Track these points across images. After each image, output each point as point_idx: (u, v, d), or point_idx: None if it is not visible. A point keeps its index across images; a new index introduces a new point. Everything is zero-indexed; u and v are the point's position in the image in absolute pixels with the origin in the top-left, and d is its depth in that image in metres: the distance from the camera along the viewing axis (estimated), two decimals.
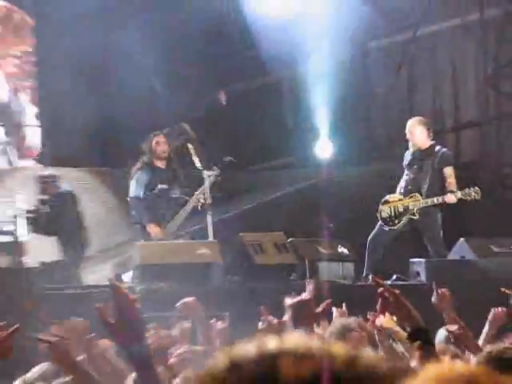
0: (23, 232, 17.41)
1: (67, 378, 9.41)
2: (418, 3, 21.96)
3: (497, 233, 19.50)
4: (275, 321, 10.07)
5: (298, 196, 20.67)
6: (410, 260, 17.53)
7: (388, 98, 21.70)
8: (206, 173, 17.99)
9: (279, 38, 21.72)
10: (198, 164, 18.12)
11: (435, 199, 18.19)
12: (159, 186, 18.16)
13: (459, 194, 18.31)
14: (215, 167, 18.26)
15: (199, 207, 18.16)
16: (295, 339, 1.87)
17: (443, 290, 11.19)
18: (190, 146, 18.09)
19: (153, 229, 17.69)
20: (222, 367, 1.89)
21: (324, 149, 20.94)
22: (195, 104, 21.62)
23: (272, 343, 1.89)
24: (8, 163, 20.66)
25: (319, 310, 8.99)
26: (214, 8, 22.15)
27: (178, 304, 12.08)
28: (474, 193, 18.09)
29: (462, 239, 18.60)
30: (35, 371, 9.88)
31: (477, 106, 22.12)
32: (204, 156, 18.46)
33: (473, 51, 21.81)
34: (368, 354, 1.86)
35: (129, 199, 18.79)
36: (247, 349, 1.90)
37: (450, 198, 18.22)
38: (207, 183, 17.98)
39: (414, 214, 18.24)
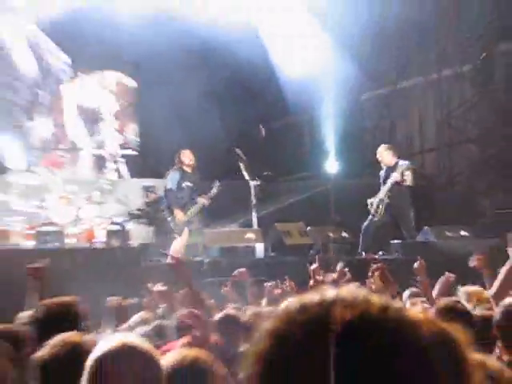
0: (130, 223, 17.98)
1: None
2: (394, 67, 22.16)
3: (450, 222, 19.61)
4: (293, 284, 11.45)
5: (313, 198, 20.81)
6: (391, 241, 17.78)
7: (375, 132, 22.13)
8: (251, 183, 18.15)
9: (300, 91, 21.85)
10: (246, 177, 18.28)
11: (389, 182, 18.12)
12: (186, 183, 18.16)
13: (399, 172, 18.25)
14: (258, 179, 18.37)
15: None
16: (346, 290, 1.85)
17: (421, 260, 10.82)
18: (241, 164, 18.22)
19: (178, 213, 17.88)
20: (293, 309, 1.86)
21: (331, 166, 20.97)
22: (242, 135, 21.77)
23: (330, 293, 1.86)
24: (119, 176, 20.82)
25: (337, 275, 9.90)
26: (256, 71, 22.35)
27: (234, 272, 12.24)
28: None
29: (426, 227, 18.75)
30: (136, 317, 9.63)
31: (436, 136, 22.59)
32: (250, 171, 18.46)
33: (433, 99, 22.34)
34: (396, 303, 1.85)
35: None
36: (312, 296, 1.86)
37: (395, 176, 18.19)
38: (253, 190, 18.12)
39: (386, 200, 18.25)
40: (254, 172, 18.69)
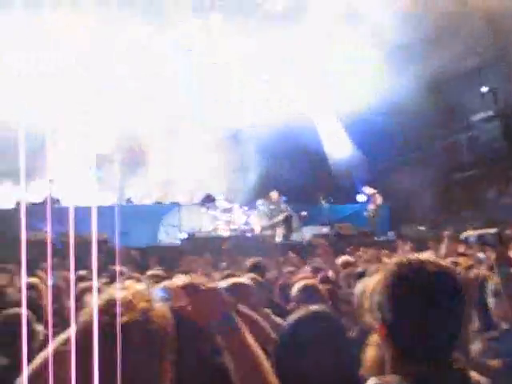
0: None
1: None
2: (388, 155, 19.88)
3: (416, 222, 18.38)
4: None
5: (353, 212, 19.71)
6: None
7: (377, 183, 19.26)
8: (324, 205, 18.70)
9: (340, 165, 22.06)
10: (322, 202, 18.71)
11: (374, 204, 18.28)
12: (271, 206, 18.27)
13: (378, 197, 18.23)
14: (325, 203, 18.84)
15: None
16: (426, 255, 1.73)
17: (399, 241, 11.87)
18: (321, 198, 18.79)
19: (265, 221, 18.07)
20: (401, 260, 1.74)
21: (360, 198, 19.91)
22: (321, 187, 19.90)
23: (420, 256, 1.76)
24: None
25: None
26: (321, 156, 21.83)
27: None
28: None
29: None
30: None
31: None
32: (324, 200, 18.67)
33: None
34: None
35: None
36: (411, 256, 1.76)
37: (378, 200, 18.20)
38: (326, 210, 18.57)
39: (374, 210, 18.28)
40: (326, 200, 18.83)
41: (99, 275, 7.93)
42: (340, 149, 22.37)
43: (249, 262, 6.53)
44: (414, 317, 1.74)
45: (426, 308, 1.73)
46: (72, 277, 6.99)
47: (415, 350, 1.76)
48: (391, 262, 1.85)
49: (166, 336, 1.64)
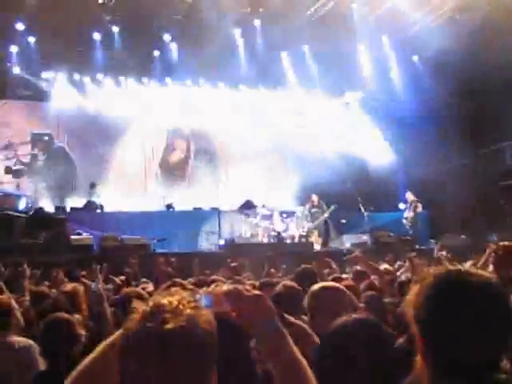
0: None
1: None
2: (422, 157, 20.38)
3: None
4: None
5: (393, 220, 19.31)
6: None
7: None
8: (365, 213, 18.18)
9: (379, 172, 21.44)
10: (362, 210, 18.18)
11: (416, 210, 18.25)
12: (313, 210, 18.23)
13: (418, 204, 18.13)
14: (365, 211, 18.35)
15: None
16: (466, 265, 1.51)
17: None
18: (360, 205, 18.23)
19: (305, 224, 18.07)
20: (442, 272, 1.72)
21: (401, 206, 19.43)
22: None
23: (459, 266, 1.75)
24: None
25: None
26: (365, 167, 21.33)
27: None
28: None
29: (446, 234, 17.35)
30: None
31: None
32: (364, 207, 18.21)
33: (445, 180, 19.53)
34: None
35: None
36: (450, 266, 1.76)
37: (419, 207, 18.10)
38: (366, 216, 18.13)
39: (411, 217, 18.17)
40: (366, 208, 18.37)
41: (140, 279, 8.07)
42: (380, 156, 22.23)
43: (298, 269, 6.31)
44: (453, 330, 1.65)
45: (466, 321, 1.65)
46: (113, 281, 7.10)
47: (454, 366, 1.67)
48: (429, 272, 1.79)
49: (212, 342, 1.62)
